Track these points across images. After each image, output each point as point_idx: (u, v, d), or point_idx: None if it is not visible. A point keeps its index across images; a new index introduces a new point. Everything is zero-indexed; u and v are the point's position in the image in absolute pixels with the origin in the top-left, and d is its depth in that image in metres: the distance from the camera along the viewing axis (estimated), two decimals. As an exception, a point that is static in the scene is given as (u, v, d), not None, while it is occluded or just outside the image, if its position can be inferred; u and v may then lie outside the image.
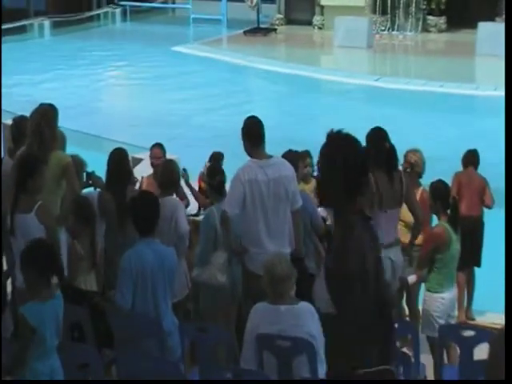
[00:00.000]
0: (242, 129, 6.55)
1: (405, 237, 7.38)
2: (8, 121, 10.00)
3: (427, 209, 7.05)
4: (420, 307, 7.42)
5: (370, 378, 3.52)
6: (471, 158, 8.54)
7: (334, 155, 3.57)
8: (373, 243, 3.65)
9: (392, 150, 6.78)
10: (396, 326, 5.91)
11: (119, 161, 6.80)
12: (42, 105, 6.53)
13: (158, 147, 8.17)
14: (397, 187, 6.72)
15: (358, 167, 3.57)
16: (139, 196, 6.08)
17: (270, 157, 6.54)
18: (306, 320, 5.05)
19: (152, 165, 8.01)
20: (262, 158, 6.48)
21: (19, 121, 7.10)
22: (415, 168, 7.50)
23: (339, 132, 3.63)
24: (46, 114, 6.44)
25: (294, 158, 7.09)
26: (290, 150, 7.30)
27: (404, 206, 7.37)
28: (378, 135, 6.81)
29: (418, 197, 7.33)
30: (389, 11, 24.80)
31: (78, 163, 7.07)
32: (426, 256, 6.81)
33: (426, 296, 6.97)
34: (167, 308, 5.73)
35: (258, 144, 6.52)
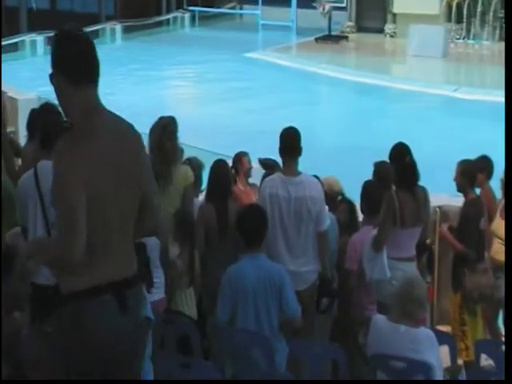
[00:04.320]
0: (279, 138, 6.25)
1: (502, 254, 7.18)
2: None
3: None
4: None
5: None
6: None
7: None
8: None
9: (413, 166, 6.50)
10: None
11: (221, 173, 6.61)
12: (162, 118, 6.34)
13: (243, 155, 8.09)
14: (419, 205, 6.40)
15: None
16: (248, 208, 5.99)
17: (299, 174, 6.19)
18: (424, 346, 4.89)
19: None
20: (288, 174, 6.17)
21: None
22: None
23: None
24: (168, 127, 6.25)
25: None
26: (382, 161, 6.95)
27: (502, 223, 7.16)
28: (399, 151, 6.64)
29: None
30: (464, 19, 24.45)
31: (196, 166, 7.00)
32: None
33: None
34: (271, 326, 5.53)
35: (289, 157, 6.19)
